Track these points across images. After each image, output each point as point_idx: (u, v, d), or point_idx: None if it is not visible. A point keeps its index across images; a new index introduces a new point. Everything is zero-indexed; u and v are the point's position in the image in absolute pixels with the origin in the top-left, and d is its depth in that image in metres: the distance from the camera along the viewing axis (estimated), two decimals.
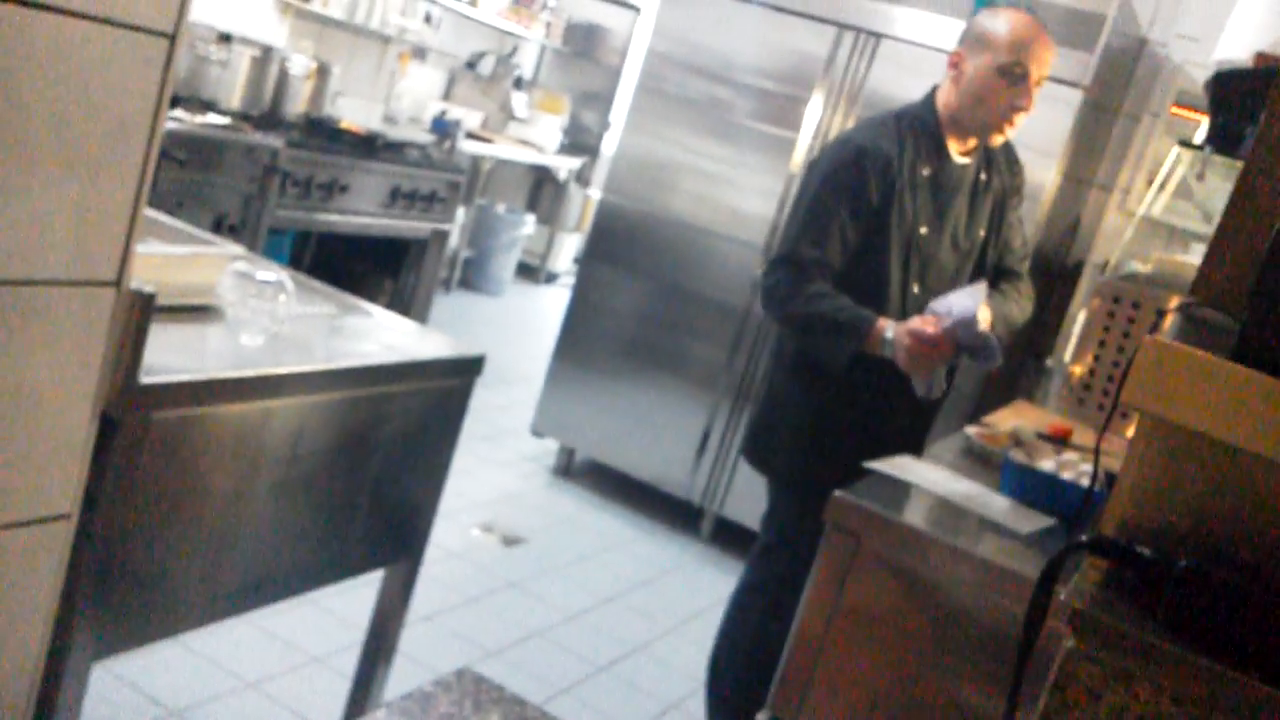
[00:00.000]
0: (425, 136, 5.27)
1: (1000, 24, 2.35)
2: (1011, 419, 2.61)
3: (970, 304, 2.05)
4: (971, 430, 2.43)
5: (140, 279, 1.41)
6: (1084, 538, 1.03)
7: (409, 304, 4.69)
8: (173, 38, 1.35)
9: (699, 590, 3.73)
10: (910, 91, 3.74)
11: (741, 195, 4.05)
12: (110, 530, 1.49)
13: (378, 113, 5.38)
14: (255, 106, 4.08)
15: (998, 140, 2.42)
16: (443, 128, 5.52)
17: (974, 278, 2.48)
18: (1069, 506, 2.06)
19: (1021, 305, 2.54)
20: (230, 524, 1.69)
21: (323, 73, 4.44)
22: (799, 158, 3.93)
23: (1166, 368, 0.95)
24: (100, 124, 1.30)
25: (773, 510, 2.58)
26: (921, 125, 2.41)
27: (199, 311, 1.76)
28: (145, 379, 1.44)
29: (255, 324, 1.74)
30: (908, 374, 2.25)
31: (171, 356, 1.55)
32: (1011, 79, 2.32)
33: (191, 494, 1.60)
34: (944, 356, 2.24)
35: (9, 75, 1.17)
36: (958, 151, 2.43)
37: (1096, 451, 1.33)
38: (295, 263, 4.44)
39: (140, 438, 1.48)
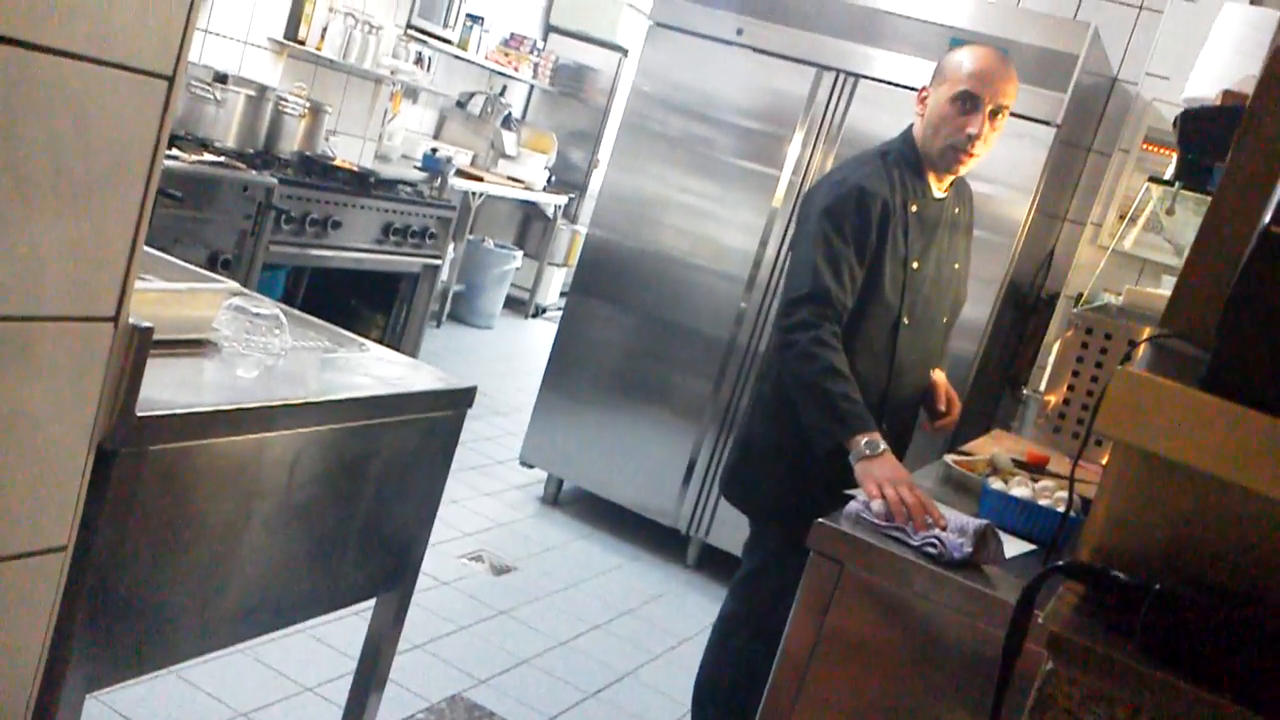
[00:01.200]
0: (417, 174, 5.33)
1: (958, 56, 2.43)
2: (989, 447, 2.66)
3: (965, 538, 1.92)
4: (950, 458, 2.48)
5: (138, 314, 1.44)
6: (1060, 562, 1.06)
7: (400, 337, 4.73)
8: (171, 79, 1.38)
9: (686, 616, 3.76)
10: (887, 129, 3.81)
11: (725, 230, 4.11)
12: (106, 562, 1.50)
13: (370, 151, 5.44)
14: (250, 145, 4.13)
15: (960, 170, 2.48)
16: (434, 165, 5.59)
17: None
18: (1046, 532, 2.10)
19: None
20: (225, 555, 1.72)
21: (316, 112, 4.50)
22: (780, 194, 3.99)
23: (1138, 397, 0.97)
24: (100, 163, 1.32)
25: (754, 539, 2.62)
26: (906, 162, 2.47)
27: (195, 345, 1.80)
28: (142, 412, 1.47)
29: (251, 358, 1.78)
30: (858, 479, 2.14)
31: (168, 390, 1.57)
32: (964, 107, 2.37)
33: (187, 525, 1.63)
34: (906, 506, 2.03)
35: (10, 115, 1.18)
36: (938, 188, 2.51)
37: (1071, 479, 1.37)
38: (289, 298, 4.48)
39: (136, 470, 1.50)
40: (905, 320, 2.46)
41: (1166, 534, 1.04)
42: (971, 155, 2.41)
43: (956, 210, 2.58)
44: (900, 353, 2.48)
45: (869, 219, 2.36)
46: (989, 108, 2.37)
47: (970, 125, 2.36)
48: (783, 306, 2.42)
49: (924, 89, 2.49)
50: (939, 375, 2.66)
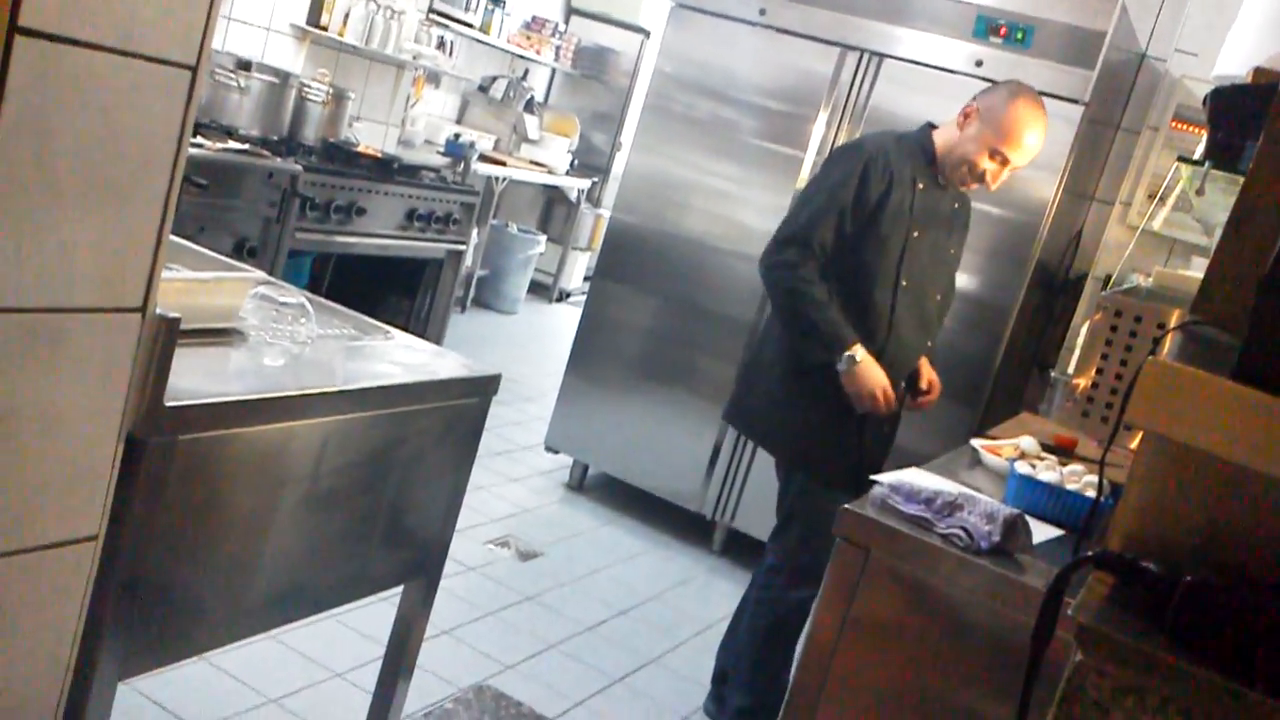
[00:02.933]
0: (440, 159, 5.34)
1: (1016, 114, 2.65)
2: (1017, 431, 2.65)
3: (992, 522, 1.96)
4: (977, 442, 2.47)
5: (165, 304, 1.45)
6: (1090, 552, 1.05)
7: (425, 323, 4.74)
8: (195, 69, 1.38)
9: (711, 602, 3.76)
10: (912, 109, 3.80)
11: (748, 212, 4.09)
12: (136, 551, 1.51)
13: (393, 136, 5.45)
14: (274, 132, 4.14)
15: (960, 186, 2.78)
16: (457, 150, 5.59)
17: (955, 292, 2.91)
18: (1075, 517, 2.09)
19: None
20: (253, 543, 1.73)
21: (339, 98, 4.51)
22: (805, 175, 3.97)
23: (1168, 387, 0.97)
24: (125, 154, 1.33)
25: (782, 490, 2.87)
26: (920, 151, 2.74)
27: (222, 334, 1.81)
28: (171, 402, 1.48)
29: (277, 346, 1.79)
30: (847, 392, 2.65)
31: (196, 379, 1.58)
32: (995, 159, 2.66)
33: (216, 514, 1.64)
34: (887, 405, 2.66)
35: (36, 108, 1.19)
36: (942, 180, 2.77)
37: (1102, 464, 1.36)
38: (314, 284, 4.50)
39: (166, 459, 1.51)
40: (904, 282, 2.70)
41: (1197, 524, 1.03)
42: (974, 187, 2.75)
43: (956, 206, 2.83)
44: (899, 310, 2.72)
45: (869, 179, 2.64)
46: (1009, 169, 2.69)
47: (990, 177, 2.69)
48: (771, 243, 2.73)
49: (971, 108, 2.70)
50: (923, 359, 2.90)
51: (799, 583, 2.72)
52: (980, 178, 2.69)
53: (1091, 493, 2.12)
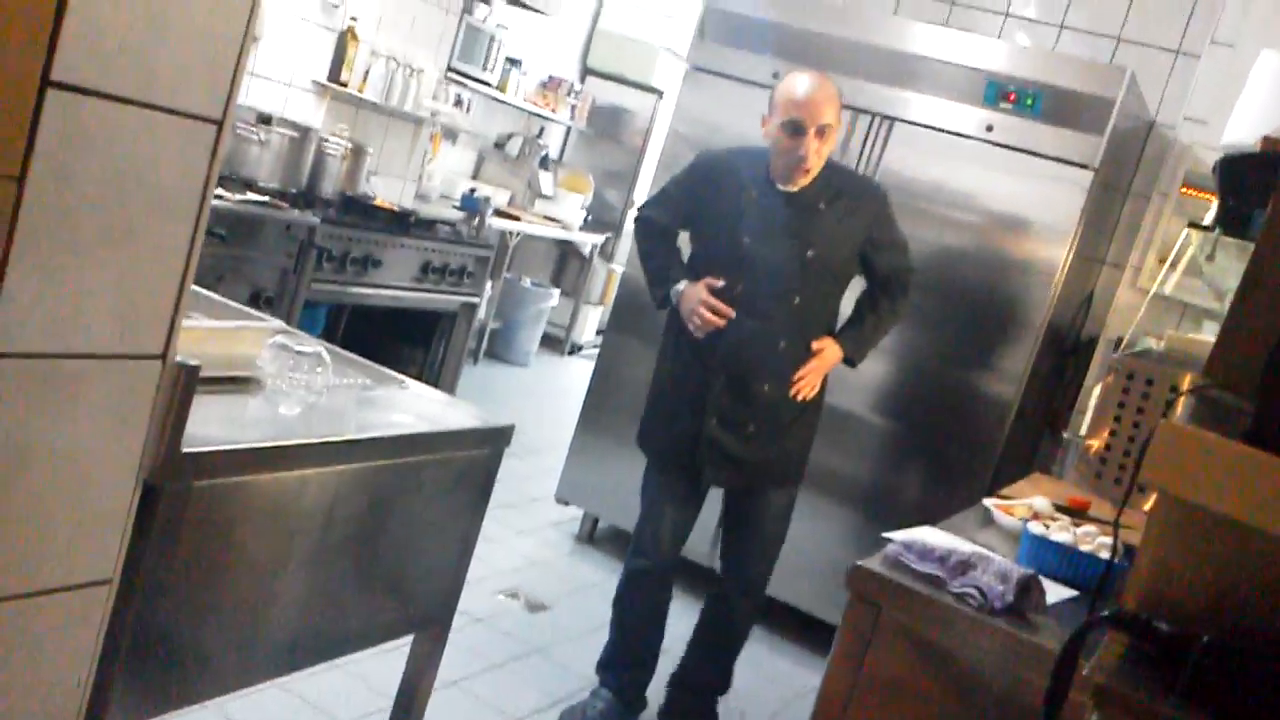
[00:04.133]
0: (455, 213, 5.40)
1: (783, 87, 2.81)
2: (1029, 491, 2.64)
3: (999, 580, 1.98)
4: (990, 502, 2.46)
5: (185, 352, 1.47)
6: (1106, 612, 1.05)
7: (438, 374, 4.76)
8: (220, 123, 1.41)
9: None
10: (923, 171, 3.85)
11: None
12: (149, 596, 1.52)
13: (410, 191, 5.51)
14: (293, 184, 4.20)
15: (800, 180, 2.81)
16: (472, 205, 5.65)
17: (831, 281, 2.94)
18: (1088, 578, 2.08)
19: (881, 318, 3.02)
20: (265, 590, 1.73)
21: (358, 153, 4.57)
22: None
23: (1182, 450, 0.97)
24: (150, 205, 1.35)
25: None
26: (760, 162, 2.88)
27: (239, 382, 1.83)
28: (187, 448, 1.50)
29: (293, 395, 1.81)
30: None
31: (213, 426, 1.60)
32: (793, 133, 2.75)
33: (228, 560, 1.65)
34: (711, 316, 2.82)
35: (64, 158, 1.21)
36: (784, 185, 2.85)
37: (1116, 526, 1.36)
38: (329, 335, 4.53)
39: (181, 505, 1.52)
40: (740, 288, 2.84)
41: (1212, 585, 1.03)
42: (807, 170, 2.79)
43: (822, 205, 2.85)
44: (738, 310, 2.83)
45: (708, 177, 2.94)
46: (813, 130, 2.73)
47: (799, 149, 2.75)
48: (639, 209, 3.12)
49: (765, 118, 2.85)
50: (817, 344, 2.92)
51: (634, 554, 3.07)
52: (800, 160, 2.75)
53: (1105, 554, 2.11)
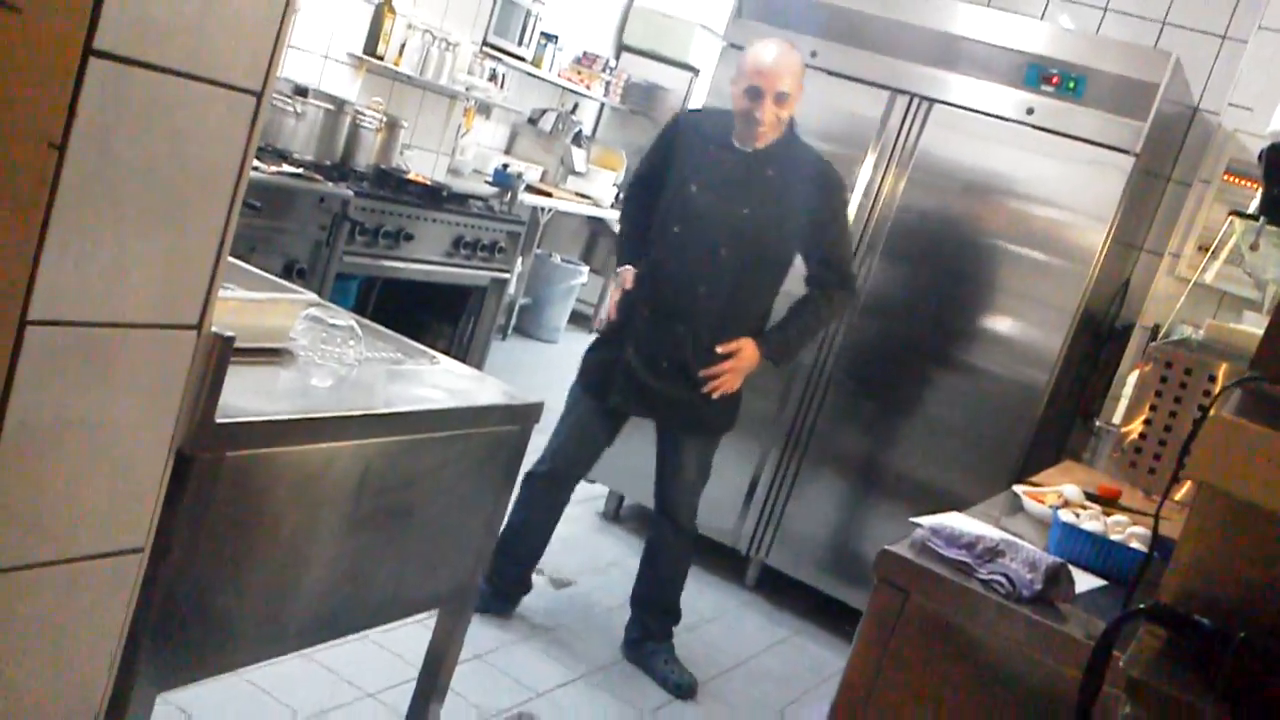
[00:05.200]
0: (487, 188, 5.39)
1: (747, 55, 3.00)
2: (1060, 478, 2.62)
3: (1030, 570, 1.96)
4: (1019, 489, 2.45)
5: (219, 323, 1.47)
6: (1142, 605, 1.04)
7: (467, 349, 4.77)
8: (260, 95, 1.41)
9: (744, 637, 3.74)
10: (961, 153, 3.81)
11: None
12: (180, 565, 1.53)
13: (443, 165, 5.51)
14: (328, 157, 4.21)
15: (759, 142, 2.99)
16: (504, 180, 5.64)
17: (762, 247, 3.05)
18: (1118, 568, 2.07)
19: (806, 320, 3.13)
20: (293, 561, 1.75)
21: (392, 126, 4.57)
22: (850, 217, 3.97)
23: (1230, 443, 0.97)
24: (189, 175, 1.35)
25: None
26: (725, 122, 3.05)
27: (272, 354, 1.84)
28: (220, 419, 1.50)
29: (325, 367, 1.81)
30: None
31: (245, 397, 1.61)
32: (752, 96, 2.94)
33: (258, 531, 1.66)
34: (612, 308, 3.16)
35: (104, 127, 1.22)
36: (740, 144, 3.02)
37: (1156, 517, 1.34)
38: (360, 307, 4.54)
39: (214, 475, 1.53)
40: (676, 229, 3.06)
41: (1252, 580, 1.02)
42: (762, 133, 2.97)
43: (770, 171, 3.01)
44: (668, 250, 3.07)
45: (670, 136, 3.16)
46: (770, 95, 2.92)
47: (756, 111, 2.94)
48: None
49: (733, 81, 3.02)
50: (734, 345, 3.05)
51: (539, 459, 3.28)
52: (758, 123, 2.94)
53: (1136, 544, 2.10)
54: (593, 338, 3.31)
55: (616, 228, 3.43)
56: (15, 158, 1.22)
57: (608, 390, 3.15)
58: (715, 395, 3.06)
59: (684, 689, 3.20)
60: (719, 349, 3.04)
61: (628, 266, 3.18)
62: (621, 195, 3.44)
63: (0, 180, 1.23)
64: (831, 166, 3.10)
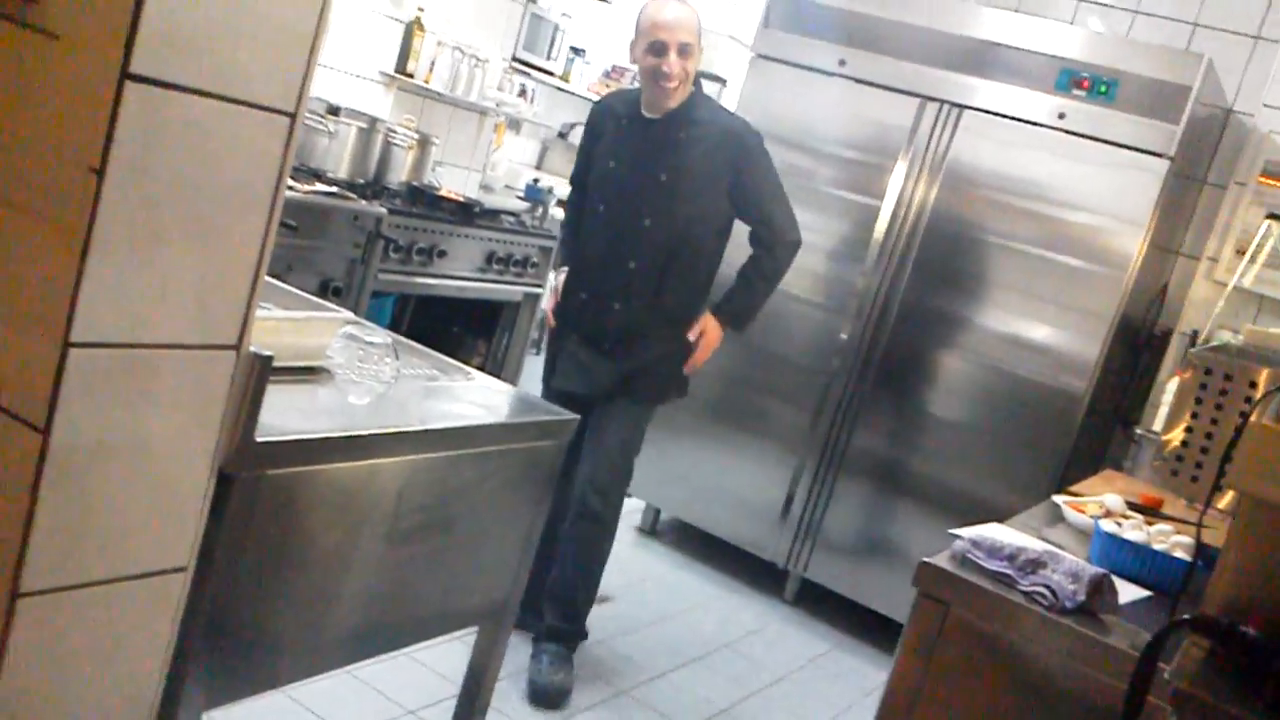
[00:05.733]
0: (519, 203, 5.41)
1: (645, 13, 2.98)
2: (1101, 488, 2.59)
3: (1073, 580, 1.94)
4: (1060, 499, 2.42)
5: (258, 342, 1.48)
6: (1187, 615, 1.03)
7: (501, 364, 4.78)
8: (293, 115, 1.43)
9: (784, 652, 3.72)
10: (992, 159, 3.79)
11: (825, 261, 4.08)
12: (223, 583, 1.54)
13: (475, 181, 5.53)
14: (361, 175, 4.24)
15: (669, 101, 2.97)
16: (535, 195, 5.66)
17: (688, 209, 3.02)
18: (1162, 578, 2.04)
19: (750, 280, 3.12)
20: (334, 578, 1.75)
21: (424, 143, 4.60)
22: (882, 225, 3.96)
23: (1272, 451, 0.95)
24: (225, 196, 1.36)
25: None
26: (634, 99, 3.08)
27: (310, 373, 1.85)
28: (260, 437, 1.52)
29: (362, 385, 1.82)
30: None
31: (284, 416, 1.61)
32: (655, 53, 2.93)
33: (299, 549, 1.67)
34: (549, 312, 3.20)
35: (141, 150, 1.23)
36: (649, 112, 3.03)
37: (1199, 527, 1.32)
38: (395, 324, 4.57)
39: (254, 494, 1.54)
40: (600, 208, 3.08)
41: None
42: (672, 87, 2.94)
43: (681, 134, 2.99)
44: (596, 229, 3.09)
45: (592, 123, 3.19)
46: (675, 47, 2.91)
47: (663, 65, 2.92)
48: None
49: (632, 44, 3.02)
50: (694, 330, 3.10)
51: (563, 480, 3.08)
52: (664, 76, 2.92)
53: (1180, 553, 2.07)
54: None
55: None
56: (56, 183, 1.24)
57: (553, 372, 3.18)
58: (688, 371, 3.13)
59: (545, 694, 2.94)
60: (689, 336, 3.07)
61: (564, 268, 3.22)
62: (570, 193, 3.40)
63: (42, 205, 1.25)
64: (747, 124, 3.07)
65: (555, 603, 3.13)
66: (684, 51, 2.93)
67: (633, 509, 4.52)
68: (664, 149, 3.00)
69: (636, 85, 3.11)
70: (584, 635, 3.17)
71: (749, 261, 3.13)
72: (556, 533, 3.11)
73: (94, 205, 1.22)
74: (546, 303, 3.25)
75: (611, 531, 3.16)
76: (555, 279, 3.24)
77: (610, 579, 3.85)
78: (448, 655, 2.88)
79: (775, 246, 3.10)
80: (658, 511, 4.44)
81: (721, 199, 3.04)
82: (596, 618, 3.55)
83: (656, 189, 2.99)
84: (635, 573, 4.02)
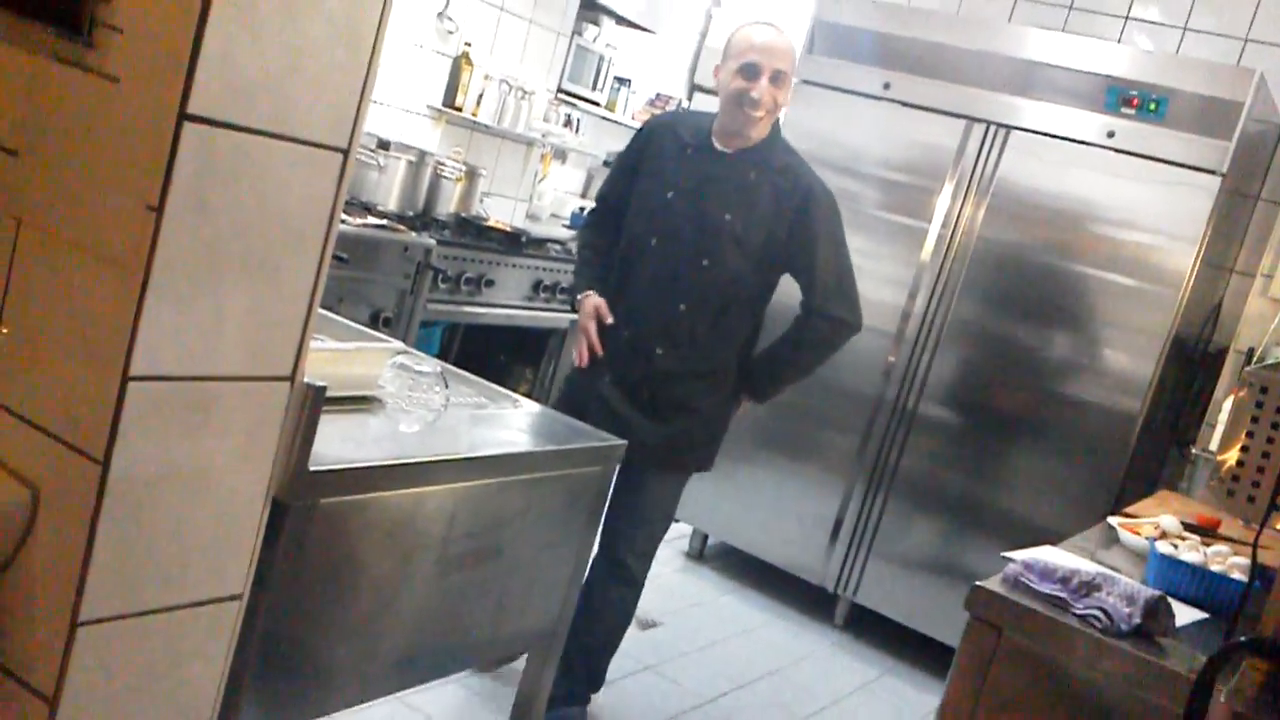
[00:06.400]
0: (565, 232, 5.45)
1: (739, 35, 2.78)
2: (1156, 509, 2.56)
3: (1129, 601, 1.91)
4: (1115, 520, 2.39)
5: (311, 373, 1.51)
6: (1244, 638, 1.02)
7: (549, 392, 4.81)
8: (346, 152, 1.46)
9: (834, 678, 3.69)
10: (1041, 180, 3.77)
11: (872, 285, 4.05)
12: (277, 610, 1.57)
13: (522, 211, 5.59)
14: (410, 207, 4.30)
15: (751, 131, 2.74)
16: (581, 223, 5.70)
17: (746, 259, 2.75)
18: (1220, 600, 2.01)
19: (802, 349, 2.89)
20: (386, 605, 1.77)
21: (472, 175, 4.66)
22: (930, 247, 3.94)
23: None
24: (281, 231, 1.40)
25: None
26: (703, 123, 2.84)
27: (362, 402, 1.88)
28: (314, 466, 1.54)
29: (413, 414, 1.85)
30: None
31: (336, 445, 1.65)
32: (746, 75, 2.70)
33: (351, 575, 1.70)
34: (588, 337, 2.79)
35: (199, 188, 1.27)
36: (720, 144, 2.79)
37: (1255, 546, 1.31)
38: (444, 353, 4.62)
39: (308, 522, 1.57)
40: (653, 242, 2.79)
41: None
42: (758, 116, 2.72)
43: (753, 175, 2.75)
44: (646, 265, 2.79)
45: (641, 146, 2.91)
46: (769, 72, 2.70)
47: (753, 89, 2.70)
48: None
49: (718, 67, 2.83)
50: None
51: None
52: (752, 103, 2.69)
53: (1237, 574, 2.04)
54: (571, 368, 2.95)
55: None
56: (116, 221, 1.28)
57: (583, 420, 2.65)
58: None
59: None
60: (737, 411, 2.92)
61: (589, 292, 2.84)
62: (586, 219, 3.11)
63: (102, 242, 1.29)
64: (822, 181, 2.81)
65: (581, 666, 2.89)
66: (777, 80, 2.70)
67: (680, 534, 4.52)
68: (733, 187, 2.74)
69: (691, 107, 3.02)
70: (599, 686, 3.02)
71: (798, 330, 2.86)
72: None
73: (153, 242, 1.25)
74: (587, 327, 2.80)
75: (640, 592, 2.97)
76: (582, 304, 2.83)
77: (658, 604, 3.86)
78: (497, 681, 2.89)
79: (812, 314, 2.81)
80: (705, 537, 4.43)
81: (778, 249, 2.77)
82: (644, 643, 3.55)
83: (720, 229, 2.72)
84: (683, 598, 4.02)
